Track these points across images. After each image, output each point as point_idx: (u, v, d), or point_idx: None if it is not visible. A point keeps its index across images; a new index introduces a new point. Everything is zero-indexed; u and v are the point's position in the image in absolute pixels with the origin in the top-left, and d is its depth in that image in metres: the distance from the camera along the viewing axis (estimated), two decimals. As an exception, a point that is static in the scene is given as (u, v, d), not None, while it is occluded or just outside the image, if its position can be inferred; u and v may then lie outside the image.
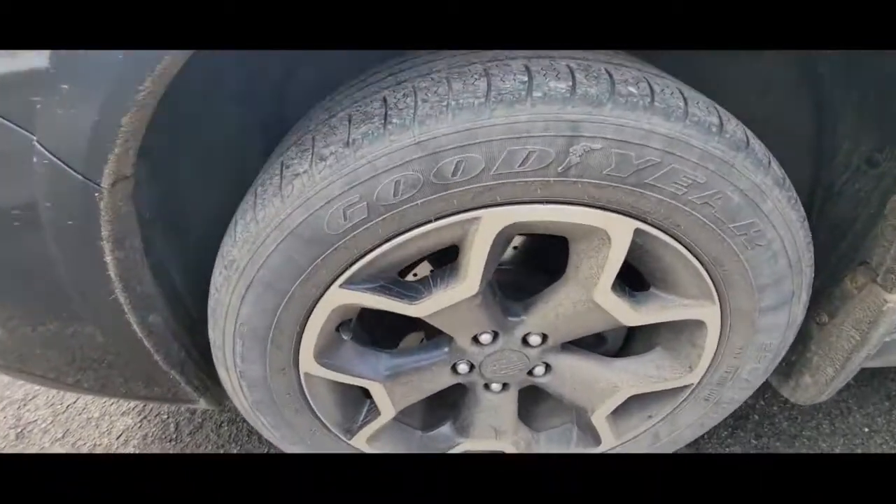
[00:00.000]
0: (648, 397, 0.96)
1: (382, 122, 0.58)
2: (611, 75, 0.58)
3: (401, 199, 0.60)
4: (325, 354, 0.81)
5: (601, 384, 0.91)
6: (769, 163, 0.65)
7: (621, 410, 0.97)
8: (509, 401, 0.95)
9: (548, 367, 0.90)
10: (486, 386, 0.93)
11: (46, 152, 0.54)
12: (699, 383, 0.92)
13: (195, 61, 0.51)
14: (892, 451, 1.21)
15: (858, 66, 0.77)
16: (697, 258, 0.71)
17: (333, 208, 0.61)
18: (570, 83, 0.57)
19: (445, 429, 0.99)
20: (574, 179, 0.60)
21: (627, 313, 0.78)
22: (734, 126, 0.63)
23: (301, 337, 0.76)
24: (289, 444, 0.94)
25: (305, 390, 0.86)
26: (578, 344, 0.89)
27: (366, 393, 0.90)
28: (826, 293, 0.90)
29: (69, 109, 0.50)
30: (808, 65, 0.84)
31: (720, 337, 0.83)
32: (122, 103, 0.49)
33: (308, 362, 0.80)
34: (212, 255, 0.74)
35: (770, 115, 0.86)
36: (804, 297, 0.79)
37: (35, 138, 0.53)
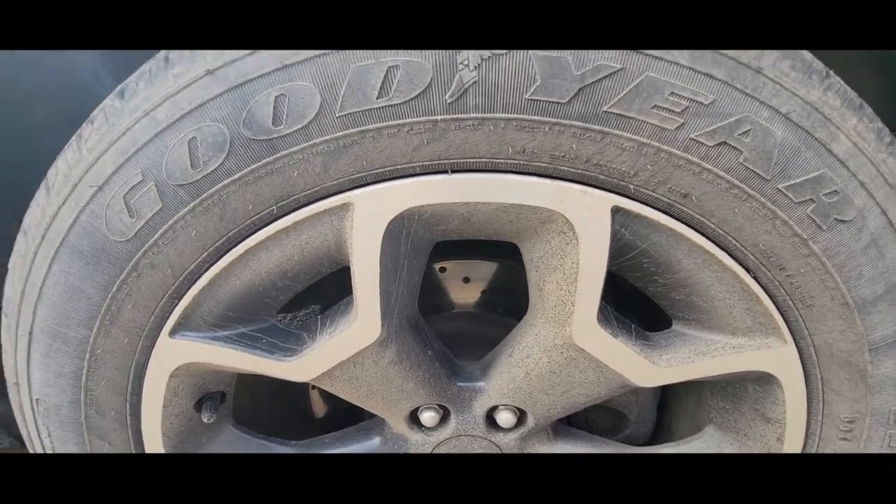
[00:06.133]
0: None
1: (165, 59, 0.38)
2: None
3: (204, 171, 0.38)
4: (184, 446, 0.55)
5: (627, 491, 0.57)
6: (827, 74, 0.38)
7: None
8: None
9: (540, 464, 0.58)
10: None
11: None
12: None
13: None
14: None
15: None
16: (736, 259, 0.42)
17: (110, 198, 0.39)
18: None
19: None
20: (480, 117, 0.36)
21: (638, 365, 0.48)
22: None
23: (139, 419, 0.51)
24: None
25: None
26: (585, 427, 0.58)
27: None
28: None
29: None
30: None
31: (809, 402, 0.50)
32: None
33: (160, 461, 0.54)
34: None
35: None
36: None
37: None
